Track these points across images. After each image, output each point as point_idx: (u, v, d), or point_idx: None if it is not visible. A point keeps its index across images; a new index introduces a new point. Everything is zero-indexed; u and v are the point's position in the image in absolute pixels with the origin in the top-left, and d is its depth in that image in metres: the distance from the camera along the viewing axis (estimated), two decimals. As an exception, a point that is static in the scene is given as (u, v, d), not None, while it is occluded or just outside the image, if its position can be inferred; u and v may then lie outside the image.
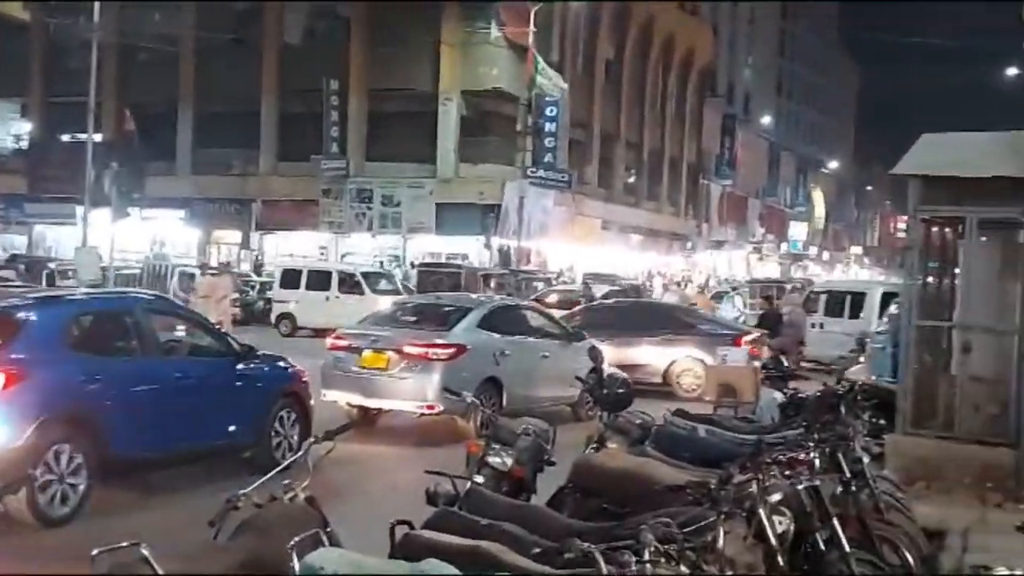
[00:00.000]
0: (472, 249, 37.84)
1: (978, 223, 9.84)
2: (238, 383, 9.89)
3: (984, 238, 10.46)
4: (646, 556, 3.37)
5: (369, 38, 38.69)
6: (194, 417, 9.15)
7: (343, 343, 12.93)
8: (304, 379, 10.77)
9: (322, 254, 39.68)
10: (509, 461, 5.81)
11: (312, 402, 10.77)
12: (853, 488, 6.08)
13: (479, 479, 5.55)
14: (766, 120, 72.39)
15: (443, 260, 35.37)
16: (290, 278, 27.47)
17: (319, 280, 26.98)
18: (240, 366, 9.91)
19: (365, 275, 27.40)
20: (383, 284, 27.18)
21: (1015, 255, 9.71)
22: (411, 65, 37.96)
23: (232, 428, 9.64)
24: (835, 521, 5.30)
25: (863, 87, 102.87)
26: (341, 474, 9.08)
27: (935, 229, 10.85)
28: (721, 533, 3.87)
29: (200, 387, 9.41)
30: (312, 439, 4.79)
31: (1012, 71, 28.80)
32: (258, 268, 37.23)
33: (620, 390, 7.23)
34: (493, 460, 5.79)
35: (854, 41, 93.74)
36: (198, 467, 9.31)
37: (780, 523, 4.64)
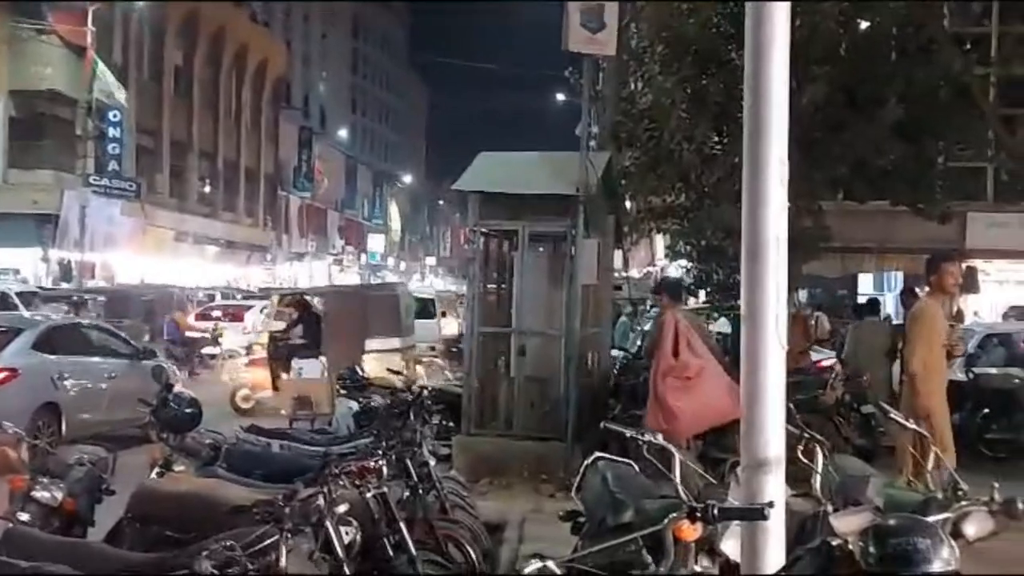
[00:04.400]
0: (27, 263, 34.46)
1: (529, 236, 10.68)
2: None
3: (541, 249, 11.40)
4: (202, 584, 3.24)
5: None
6: None
7: None
8: None
9: None
10: (59, 494, 5.31)
11: None
12: (420, 491, 6.33)
13: (24, 517, 5.02)
14: (342, 134, 73.53)
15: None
16: None
17: None
18: None
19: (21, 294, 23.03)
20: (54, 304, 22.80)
21: (561, 265, 10.66)
22: (-53, 59, 33.84)
23: None
24: (402, 525, 5.44)
25: (432, 107, 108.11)
26: None
27: (495, 241, 11.66)
28: (283, 551, 3.81)
29: None
30: None
31: (560, 97, 31.69)
32: None
33: (188, 409, 6.90)
34: (40, 495, 5.26)
35: (422, 64, 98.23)
36: None
37: (347, 533, 4.67)
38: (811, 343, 13.36)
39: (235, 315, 26.20)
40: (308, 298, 17.13)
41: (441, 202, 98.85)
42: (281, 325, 17.31)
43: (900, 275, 25.39)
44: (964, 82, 12.67)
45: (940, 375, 7.75)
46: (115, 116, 36.24)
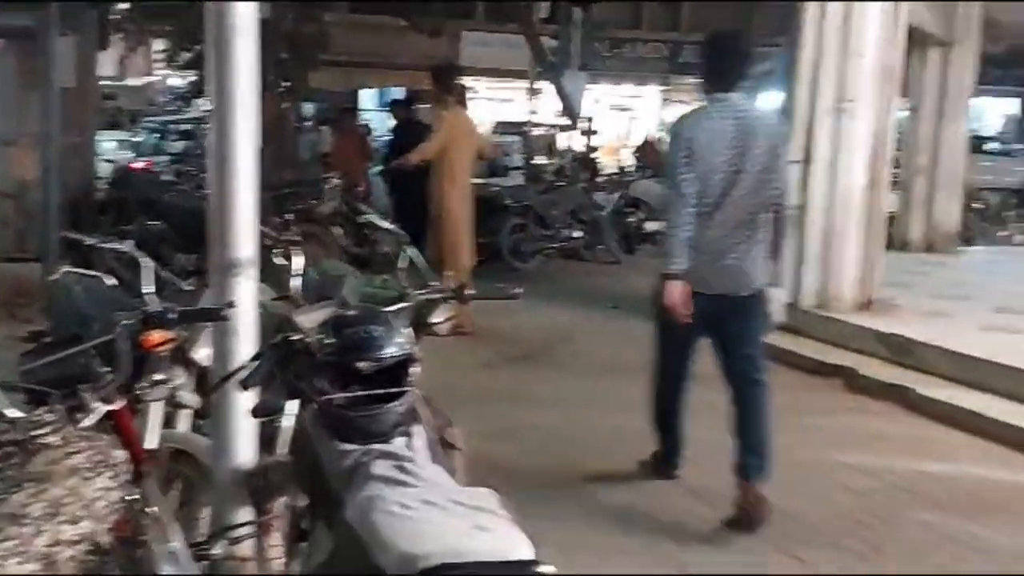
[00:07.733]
0: None
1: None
2: None
3: (33, 52, 10.00)
4: None
5: None
6: None
7: None
8: None
9: None
10: None
11: None
12: None
13: None
14: None
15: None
16: None
17: None
18: None
19: None
20: None
21: (37, 64, 9.48)
22: None
23: None
24: None
25: None
26: None
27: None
28: None
29: None
30: None
31: None
32: None
33: None
34: None
35: None
36: None
37: None
38: (369, 159, 13.26)
39: None
40: None
41: None
42: None
43: (403, 91, 26.30)
44: None
45: (464, 178, 8.21)
46: None
